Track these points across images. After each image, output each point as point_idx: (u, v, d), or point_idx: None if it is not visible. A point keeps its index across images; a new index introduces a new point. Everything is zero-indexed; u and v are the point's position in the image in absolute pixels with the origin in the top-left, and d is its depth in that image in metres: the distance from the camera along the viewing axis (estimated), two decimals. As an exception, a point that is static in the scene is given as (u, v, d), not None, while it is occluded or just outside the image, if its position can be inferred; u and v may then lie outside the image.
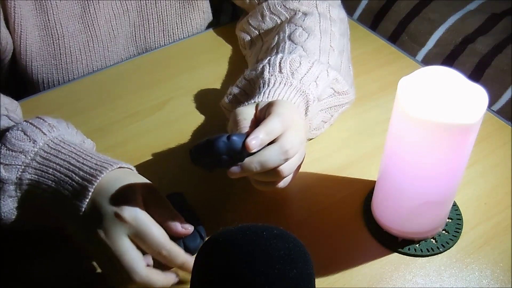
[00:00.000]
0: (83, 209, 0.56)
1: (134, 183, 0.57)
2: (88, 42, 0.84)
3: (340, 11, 0.83)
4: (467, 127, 0.53)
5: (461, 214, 0.67)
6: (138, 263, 0.55)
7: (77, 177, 0.57)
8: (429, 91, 0.54)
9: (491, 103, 1.00)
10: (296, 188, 0.70)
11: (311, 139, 0.75)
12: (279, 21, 0.82)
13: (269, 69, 0.69)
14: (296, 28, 0.76)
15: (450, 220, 0.66)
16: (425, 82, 0.55)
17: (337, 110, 0.74)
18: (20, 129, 0.60)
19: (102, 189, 0.56)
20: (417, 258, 0.63)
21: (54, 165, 0.58)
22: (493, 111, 0.80)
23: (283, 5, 0.82)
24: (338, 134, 0.77)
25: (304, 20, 0.77)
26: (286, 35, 0.76)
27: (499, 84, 1.01)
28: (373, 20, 1.20)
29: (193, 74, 0.87)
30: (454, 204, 0.67)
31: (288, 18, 0.80)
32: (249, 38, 0.85)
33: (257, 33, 0.84)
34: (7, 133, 0.59)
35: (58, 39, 0.82)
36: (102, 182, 0.57)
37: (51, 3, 0.79)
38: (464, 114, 0.52)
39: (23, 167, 0.58)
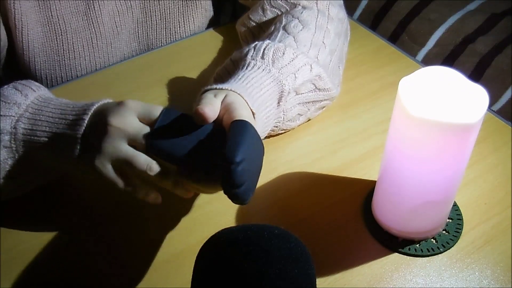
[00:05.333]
0: (80, 136, 0.58)
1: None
2: (92, 38, 0.85)
3: (340, 11, 0.83)
4: (467, 127, 0.53)
5: (461, 214, 0.67)
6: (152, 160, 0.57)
7: (70, 116, 0.60)
8: (430, 91, 0.54)
9: (491, 103, 1.00)
10: (296, 188, 0.70)
11: (285, 131, 0.75)
12: (279, 13, 0.82)
13: (252, 53, 0.70)
14: (292, 19, 0.77)
15: (450, 220, 0.66)
16: (426, 82, 0.55)
17: (315, 105, 0.75)
18: (11, 86, 0.64)
19: (95, 114, 0.59)
20: (418, 258, 0.63)
21: (46, 112, 0.61)
22: (493, 111, 0.80)
23: None
24: (338, 134, 0.77)
25: (302, 13, 0.78)
26: (282, 25, 0.77)
27: (499, 84, 1.01)
28: (373, 20, 1.20)
29: (193, 74, 0.87)
30: (454, 204, 0.67)
31: (288, 10, 0.81)
32: (251, 33, 0.85)
33: (259, 27, 0.84)
34: (0, 89, 0.63)
35: (61, 35, 0.82)
36: (95, 110, 0.60)
37: (54, 0, 0.79)
38: (465, 114, 0.52)
39: (16, 117, 0.61)
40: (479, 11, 1.12)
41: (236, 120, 0.57)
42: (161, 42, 0.92)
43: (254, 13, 0.85)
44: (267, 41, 0.71)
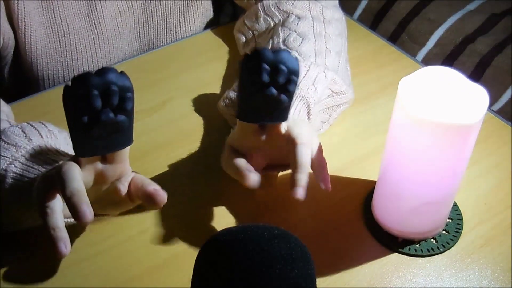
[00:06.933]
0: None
1: None
2: (94, 39, 0.85)
3: (335, 11, 0.83)
4: (467, 127, 0.53)
5: (461, 214, 0.67)
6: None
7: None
8: (430, 91, 0.54)
9: (491, 103, 1.00)
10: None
11: None
12: (272, 23, 0.82)
13: None
14: (290, 33, 0.76)
15: (450, 220, 0.66)
16: (426, 82, 0.55)
17: (335, 110, 0.74)
18: (19, 126, 0.62)
19: None
20: (418, 258, 0.63)
21: (40, 161, 0.59)
22: (493, 111, 0.80)
23: (277, 6, 0.81)
24: (338, 134, 0.77)
25: (297, 24, 0.77)
26: (281, 40, 0.76)
27: (499, 84, 1.01)
28: (373, 20, 1.20)
29: (193, 74, 0.87)
30: (454, 204, 0.67)
31: (281, 20, 0.80)
32: (244, 39, 0.85)
33: (251, 34, 0.84)
34: (6, 128, 0.61)
35: (64, 36, 0.82)
36: None
37: (57, 1, 0.80)
38: (465, 114, 0.52)
39: (11, 159, 0.59)
40: (479, 11, 1.12)
41: None
42: (162, 42, 0.92)
43: (248, 19, 0.85)
44: None
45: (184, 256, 0.63)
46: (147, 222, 0.66)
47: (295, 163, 0.59)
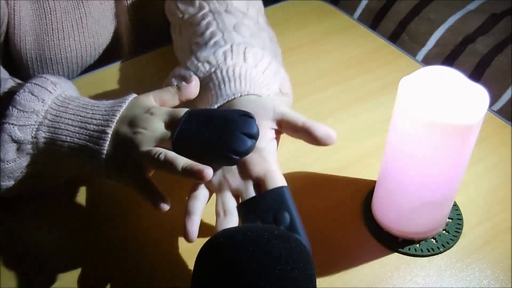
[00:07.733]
0: (104, 152, 0.58)
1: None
2: (81, 18, 0.85)
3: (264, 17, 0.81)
4: (468, 127, 0.53)
5: (461, 214, 0.67)
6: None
7: (91, 126, 0.59)
8: (430, 91, 0.54)
9: (491, 103, 1.00)
10: (296, 188, 0.70)
11: None
12: (207, 8, 0.77)
13: (232, 55, 0.67)
14: (237, 22, 0.73)
15: (450, 220, 0.66)
16: (426, 82, 0.55)
17: None
18: (27, 90, 0.61)
19: (120, 121, 0.60)
20: (418, 258, 0.63)
21: (65, 120, 0.60)
22: (493, 111, 0.80)
23: None
24: (338, 134, 0.76)
25: (242, 18, 0.75)
26: (228, 25, 0.72)
27: (499, 84, 1.01)
28: (373, 20, 1.20)
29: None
30: (455, 204, 0.67)
31: (218, 7, 0.76)
32: (177, 23, 0.81)
33: (185, 17, 0.79)
34: (16, 96, 0.61)
35: (51, 13, 0.82)
36: (120, 118, 0.60)
37: None
38: (465, 114, 0.52)
39: (36, 126, 0.60)
40: (479, 11, 1.13)
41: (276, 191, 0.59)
42: (140, 17, 0.91)
43: (182, 2, 0.80)
44: (242, 45, 0.68)
45: (184, 256, 0.63)
46: (147, 223, 0.66)
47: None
